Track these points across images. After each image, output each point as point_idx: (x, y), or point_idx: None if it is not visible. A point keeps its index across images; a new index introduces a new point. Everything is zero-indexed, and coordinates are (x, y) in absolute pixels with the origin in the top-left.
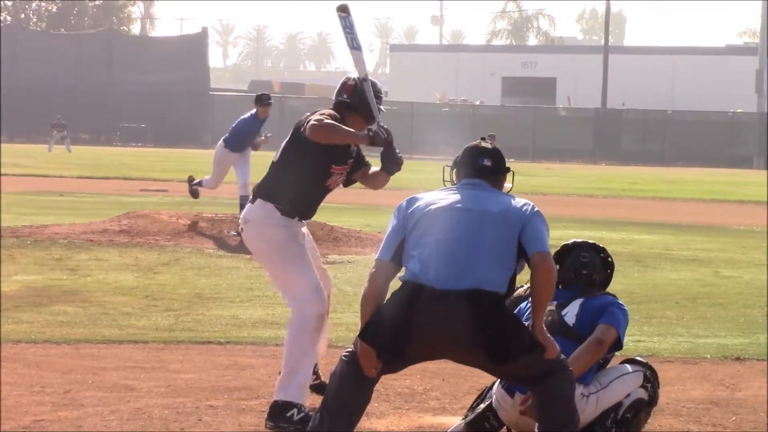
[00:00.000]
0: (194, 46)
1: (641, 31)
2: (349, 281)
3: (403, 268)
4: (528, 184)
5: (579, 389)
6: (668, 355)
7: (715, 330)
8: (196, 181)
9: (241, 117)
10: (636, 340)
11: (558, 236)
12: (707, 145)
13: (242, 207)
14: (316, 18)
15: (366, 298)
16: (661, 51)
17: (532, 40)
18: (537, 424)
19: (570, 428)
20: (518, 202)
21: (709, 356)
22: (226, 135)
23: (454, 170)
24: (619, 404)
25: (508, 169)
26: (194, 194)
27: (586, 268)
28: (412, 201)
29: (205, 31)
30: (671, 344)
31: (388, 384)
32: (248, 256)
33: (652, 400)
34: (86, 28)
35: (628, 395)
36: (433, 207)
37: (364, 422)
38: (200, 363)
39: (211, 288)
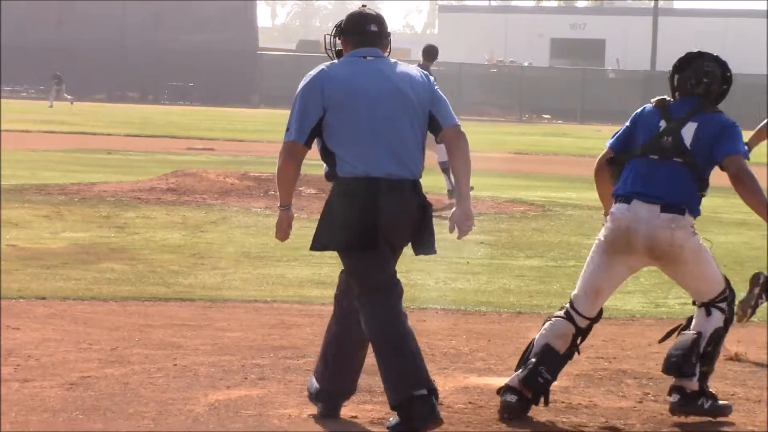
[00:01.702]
0: (242, 5)
1: None
2: None
3: (340, 162)
4: (576, 146)
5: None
6: None
7: None
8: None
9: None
10: (683, 303)
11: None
12: (759, 108)
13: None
14: None
15: (289, 172)
16: (712, 14)
17: (582, 2)
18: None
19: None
20: (416, 73)
21: (756, 320)
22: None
23: (340, 38)
24: (698, 335)
25: (389, 33)
26: None
27: (708, 77)
28: (324, 82)
29: None
30: None
31: (433, 344)
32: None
33: (728, 322)
34: None
35: (709, 317)
36: (353, 91)
37: None
38: (246, 321)
39: (258, 247)
